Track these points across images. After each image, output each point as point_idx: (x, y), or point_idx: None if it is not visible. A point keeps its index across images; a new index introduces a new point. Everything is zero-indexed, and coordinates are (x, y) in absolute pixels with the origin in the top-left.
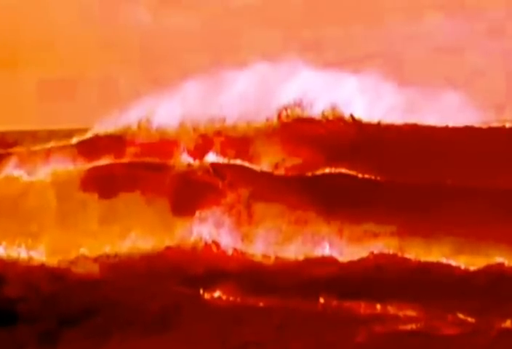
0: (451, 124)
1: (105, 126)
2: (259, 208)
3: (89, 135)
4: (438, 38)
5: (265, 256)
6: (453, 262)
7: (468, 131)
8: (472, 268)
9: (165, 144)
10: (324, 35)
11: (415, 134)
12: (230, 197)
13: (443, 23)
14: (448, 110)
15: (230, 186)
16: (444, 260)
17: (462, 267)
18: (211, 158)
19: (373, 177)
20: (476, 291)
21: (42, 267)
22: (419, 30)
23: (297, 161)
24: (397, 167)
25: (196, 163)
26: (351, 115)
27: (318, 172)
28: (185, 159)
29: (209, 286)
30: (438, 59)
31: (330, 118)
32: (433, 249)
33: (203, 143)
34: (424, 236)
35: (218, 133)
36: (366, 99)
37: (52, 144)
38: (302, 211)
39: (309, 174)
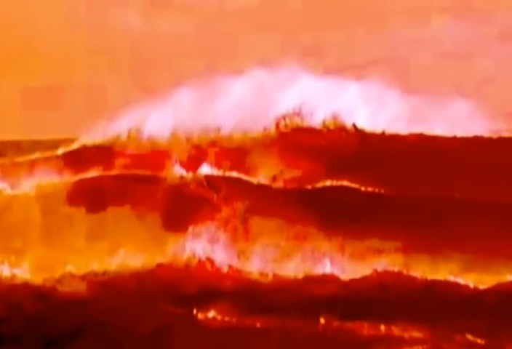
0: (459, 134)
1: (92, 136)
2: (256, 223)
3: (75, 146)
4: (445, 42)
5: (262, 274)
6: (461, 281)
7: (477, 141)
8: (481, 287)
9: (156, 155)
10: (324, 39)
11: (421, 145)
12: (225, 211)
13: (450, 27)
14: (456, 119)
15: (226, 200)
16: (451, 278)
17: (471, 285)
18: (205, 170)
19: (377, 190)
20: (485, 311)
21: (26, 286)
22: (425, 35)
23: (296, 173)
24: (402, 180)
25: (189, 175)
26: (354, 125)
27: (319, 185)
28: (178, 171)
29: (203, 306)
30: (445, 65)
31: (331, 127)
32: (440, 266)
33: (196, 154)
34: (431, 253)
35: (212, 143)
36: (370, 107)
37: (36, 155)
38: (302, 226)
39: (309, 186)
